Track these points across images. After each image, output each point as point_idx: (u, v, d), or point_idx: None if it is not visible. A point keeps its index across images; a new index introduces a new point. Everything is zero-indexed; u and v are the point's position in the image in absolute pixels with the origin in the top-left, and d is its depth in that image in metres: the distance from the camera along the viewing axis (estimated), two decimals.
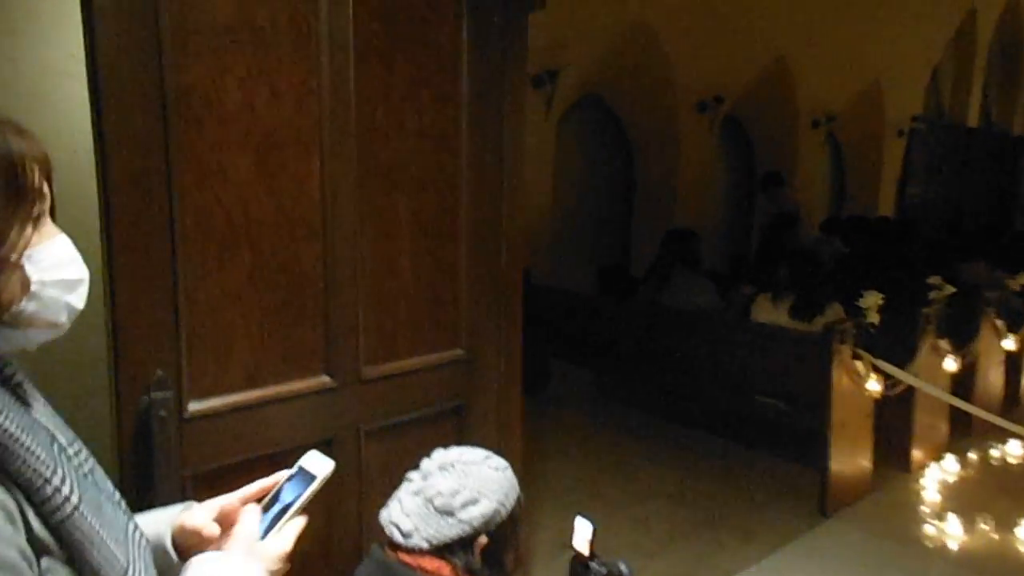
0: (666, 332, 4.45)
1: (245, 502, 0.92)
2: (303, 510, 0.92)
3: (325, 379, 1.80)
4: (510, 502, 1.43)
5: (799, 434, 3.81)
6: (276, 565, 0.89)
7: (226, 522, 0.90)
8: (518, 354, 2.25)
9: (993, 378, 4.75)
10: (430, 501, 1.38)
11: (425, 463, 1.48)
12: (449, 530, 1.34)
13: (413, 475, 1.47)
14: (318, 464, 0.93)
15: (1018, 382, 5.03)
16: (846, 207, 9.74)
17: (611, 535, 3.36)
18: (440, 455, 1.48)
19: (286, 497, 0.92)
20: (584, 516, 1.49)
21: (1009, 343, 4.71)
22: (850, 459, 3.65)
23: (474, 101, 1.97)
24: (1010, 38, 12.01)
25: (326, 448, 1.83)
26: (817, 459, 3.58)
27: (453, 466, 1.44)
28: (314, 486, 0.91)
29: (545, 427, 4.86)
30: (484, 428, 2.14)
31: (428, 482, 1.42)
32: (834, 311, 3.78)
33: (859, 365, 3.57)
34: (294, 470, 0.94)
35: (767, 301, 4.06)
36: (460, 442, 2.14)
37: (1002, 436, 4.19)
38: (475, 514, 1.36)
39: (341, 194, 1.76)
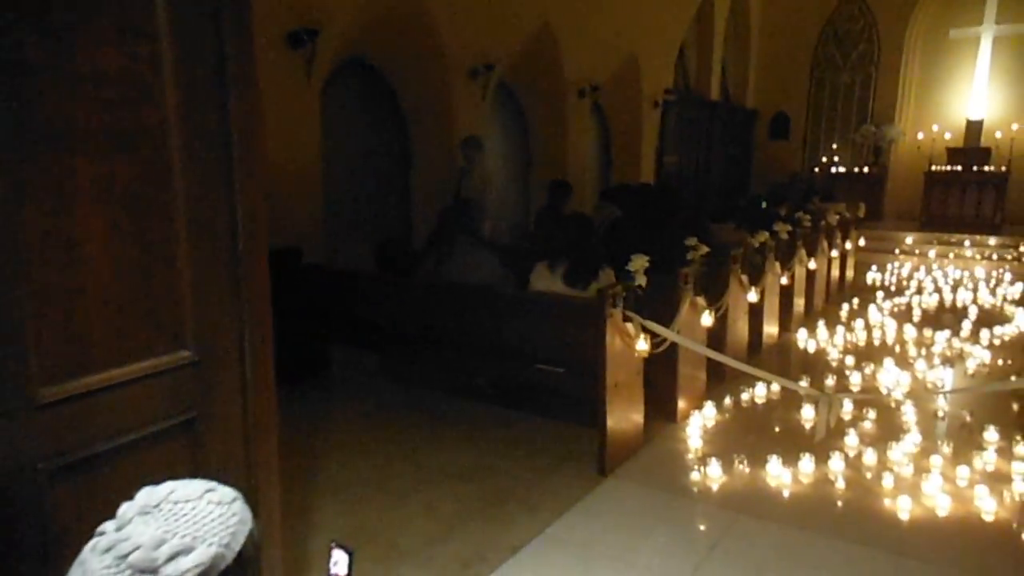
0: (447, 307, 4.30)
1: None
2: None
3: None
4: (237, 542, 1.13)
5: (579, 398, 3.87)
6: None
7: None
8: (268, 348, 1.91)
9: (740, 328, 5.25)
10: (123, 559, 1.04)
11: (124, 509, 1.13)
12: None
13: (107, 526, 1.12)
14: None
15: (760, 330, 5.64)
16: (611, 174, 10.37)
17: (398, 525, 3.16)
18: (145, 496, 1.14)
19: None
20: (340, 545, 1.25)
21: (752, 296, 5.23)
22: (625, 417, 3.78)
23: (179, 38, 1.57)
24: (741, 20, 13.53)
25: None
26: (596, 421, 3.66)
27: (159, 508, 1.11)
28: None
29: (327, 417, 4.51)
30: (225, 442, 1.79)
31: (123, 533, 1.08)
32: (607, 276, 3.87)
33: (630, 327, 3.68)
34: None
35: (545, 269, 4.06)
36: (194, 463, 1.78)
37: (749, 381, 4.64)
38: (187, 566, 1.04)
39: None
